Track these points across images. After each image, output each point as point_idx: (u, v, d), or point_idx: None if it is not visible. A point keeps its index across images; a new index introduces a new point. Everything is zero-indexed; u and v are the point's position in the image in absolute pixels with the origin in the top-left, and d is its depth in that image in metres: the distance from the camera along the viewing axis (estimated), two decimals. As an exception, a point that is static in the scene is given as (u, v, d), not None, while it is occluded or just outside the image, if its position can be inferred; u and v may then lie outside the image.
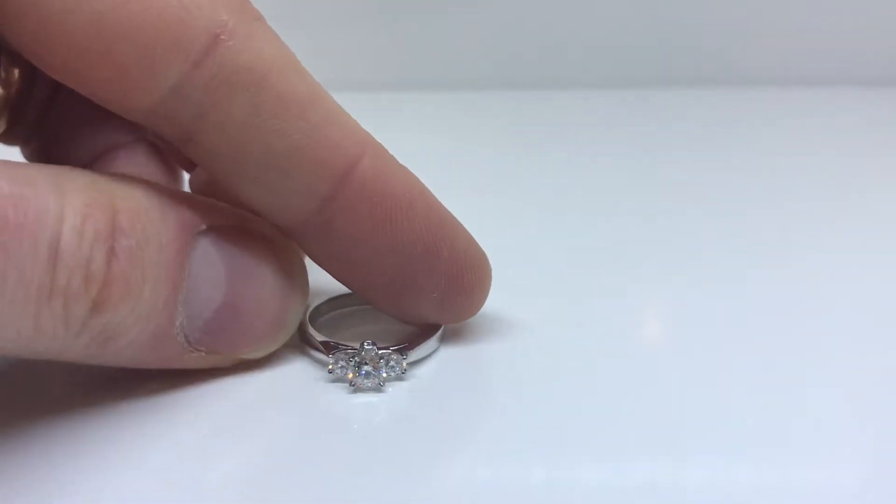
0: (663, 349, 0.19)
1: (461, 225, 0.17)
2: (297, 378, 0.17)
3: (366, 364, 0.16)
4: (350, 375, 0.16)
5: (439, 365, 0.18)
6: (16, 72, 0.19)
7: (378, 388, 0.16)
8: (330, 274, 0.18)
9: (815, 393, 0.16)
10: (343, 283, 0.18)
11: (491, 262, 0.22)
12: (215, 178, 0.16)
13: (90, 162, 0.21)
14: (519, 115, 0.42)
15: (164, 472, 0.14)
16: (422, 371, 0.17)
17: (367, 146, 0.16)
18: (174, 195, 0.15)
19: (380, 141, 0.16)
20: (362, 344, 0.17)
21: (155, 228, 0.14)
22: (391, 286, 0.17)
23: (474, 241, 0.18)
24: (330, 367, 0.17)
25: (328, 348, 0.17)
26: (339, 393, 0.16)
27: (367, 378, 0.16)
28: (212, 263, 0.16)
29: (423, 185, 0.17)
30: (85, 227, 0.13)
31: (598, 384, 0.17)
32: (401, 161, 0.17)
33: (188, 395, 0.16)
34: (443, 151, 0.35)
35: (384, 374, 0.16)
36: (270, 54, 0.15)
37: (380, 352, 0.17)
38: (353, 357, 0.17)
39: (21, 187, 0.13)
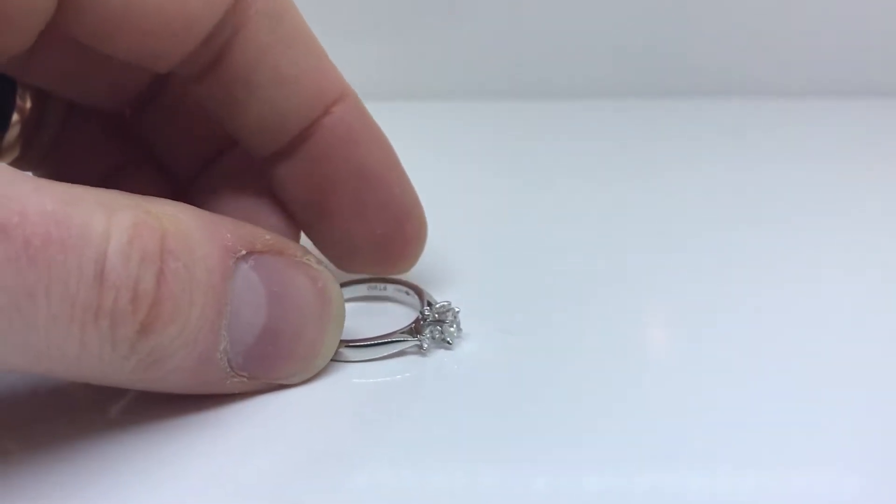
0: (667, 358, 0.19)
1: (411, 182, 0.20)
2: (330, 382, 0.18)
3: (450, 321, 0.18)
4: (449, 340, 0.18)
5: (442, 366, 0.18)
6: (28, 100, 0.19)
7: (461, 335, 0.19)
8: (292, 201, 0.20)
9: (818, 401, 0.16)
10: (301, 213, 0.20)
11: (489, 268, 0.22)
12: (222, 104, 0.18)
13: (98, 182, 0.21)
14: (514, 124, 0.42)
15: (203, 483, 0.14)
16: (425, 380, 0.18)
17: (351, 90, 0.19)
18: (214, 219, 0.16)
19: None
20: (423, 314, 0.18)
21: (201, 252, 0.15)
22: (347, 212, 0.19)
23: (419, 198, 0.20)
24: (425, 345, 0.18)
25: (413, 331, 0.18)
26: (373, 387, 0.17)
27: (458, 331, 0.19)
28: (253, 288, 0.16)
29: (387, 138, 0.20)
30: (132, 248, 0.14)
31: (599, 392, 0.17)
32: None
33: (220, 409, 0.16)
34: (438, 161, 0.35)
35: (459, 321, 0.19)
36: None
37: (441, 307, 0.18)
38: (437, 324, 0.18)
39: (65, 206, 0.13)
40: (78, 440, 0.15)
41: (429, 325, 0.18)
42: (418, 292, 0.20)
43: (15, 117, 0.19)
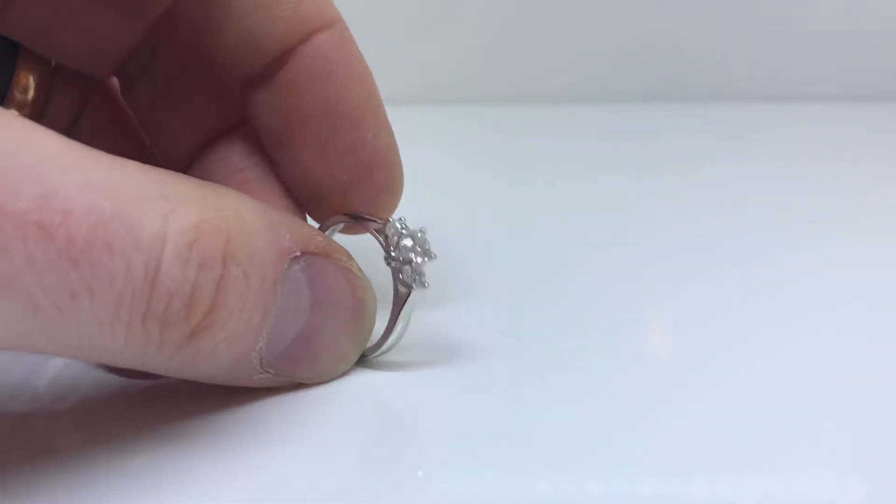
0: (669, 362, 0.19)
1: (390, 127, 0.18)
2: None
3: (419, 252, 0.17)
4: (431, 255, 0.17)
5: (443, 371, 0.18)
6: (30, 92, 0.19)
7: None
8: (263, 132, 0.19)
9: (822, 404, 0.16)
10: (270, 147, 0.19)
11: (489, 272, 0.22)
12: (200, 24, 0.17)
13: None
14: (515, 128, 0.42)
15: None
16: (429, 385, 0.18)
17: (339, 19, 0.18)
18: (276, 218, 0.15)
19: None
20: (390, 261, 0.17)
21: (261, 255, 0.14)
22: (312, 151, 0.18)
23: (396, 145, 0.19)
24: (424, 284, 0.17)
25: (403, 284, 0.17)
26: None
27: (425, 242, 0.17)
28: (299, 292, 0.16)
29: (372, 75, 0.18)
30: (192, 252, 0.13)
31: (600, 394, 0.17)
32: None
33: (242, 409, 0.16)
34: (439, 165, 0.35)
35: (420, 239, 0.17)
36: None
37: (402, 248, 0.17)
38: (408, 264, 0.17)
39: (117, 203, 0.12)
40: (117, 441, 0.15)
41: (403, 266, 0.17)
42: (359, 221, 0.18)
43: (13, 113, 0.18)
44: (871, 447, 0.15)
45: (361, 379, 0.18)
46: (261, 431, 0.16)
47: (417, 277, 0.17)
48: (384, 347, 0.18)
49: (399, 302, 0.17)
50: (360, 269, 0.17)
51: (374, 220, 0.18)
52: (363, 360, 0.18)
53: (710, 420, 0.16)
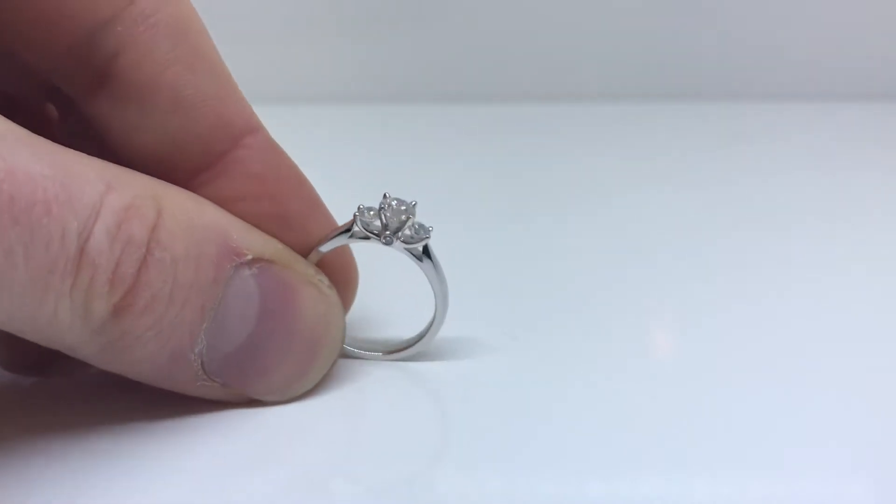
0: (671, 363, 0.19)
1: (334, 219, 0.18)
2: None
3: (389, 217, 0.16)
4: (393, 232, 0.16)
5: (445, 374, 0.18)
6: None
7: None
8: None
9: (825, 406, 0.16)
10: None
11: (488, 273, 0.22)
12: (115, 129, 0.16)
13: None
14: (510, 128, 0.42)
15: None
16: (428, 386, 0.18)
17: (261, 126, 0.17)
18: (226, 220, 0.15)
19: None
20: (387, 238, 0.16)
21: (197, 248, 0.14)
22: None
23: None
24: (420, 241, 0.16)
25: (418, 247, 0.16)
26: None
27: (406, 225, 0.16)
28: (248, 298, 0.15)
29: (304, 177, 0.17)
30: (119, 231, 0.13)
31: (603, 398, 0.17)
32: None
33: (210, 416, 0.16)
34: (432, 165, 0.35)
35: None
36: (190, 12, 0.16)
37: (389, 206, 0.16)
38: (398, 230, 0.16)
39: (59, 173, 0.13)
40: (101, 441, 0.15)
41: (402, 234, 0.16)
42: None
43: None
44: (873, 447, 0.15)
45: (361, 376, 0.18)
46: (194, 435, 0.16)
47: (419, 230, 0.16)
48: (426, 339, 0.17)
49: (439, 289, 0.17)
50: (330, 287, 0.17)
51: (339, 234, 0.17)
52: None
53: (711, 421, 0.16)
